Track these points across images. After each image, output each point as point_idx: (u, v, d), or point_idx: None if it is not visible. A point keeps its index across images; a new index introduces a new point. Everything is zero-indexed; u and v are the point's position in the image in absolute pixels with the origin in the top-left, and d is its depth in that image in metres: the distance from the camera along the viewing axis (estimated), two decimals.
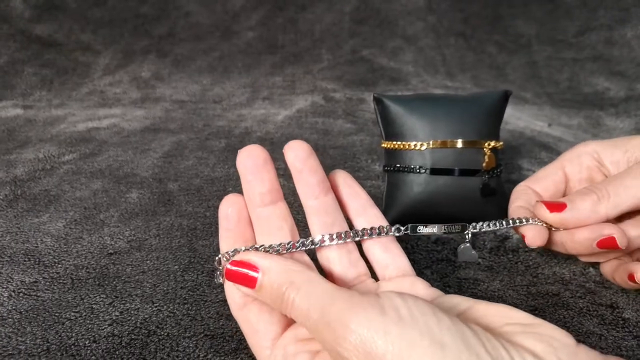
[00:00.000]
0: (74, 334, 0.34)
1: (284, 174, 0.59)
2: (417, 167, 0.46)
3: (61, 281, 0.40)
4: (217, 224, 0.48)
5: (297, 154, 0.30)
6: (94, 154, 0.66)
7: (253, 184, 0.29)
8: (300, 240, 0.29)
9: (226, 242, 0.29)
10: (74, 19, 1.10)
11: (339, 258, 0.31)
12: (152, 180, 0.57)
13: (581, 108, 0.95)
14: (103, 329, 0.34)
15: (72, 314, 0.36)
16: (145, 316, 0.35)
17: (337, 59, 1.04)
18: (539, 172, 0.42)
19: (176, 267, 0.41)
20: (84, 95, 0.92)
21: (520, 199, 0.40)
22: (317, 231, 0.31)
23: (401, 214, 0.47)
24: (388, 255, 0.32)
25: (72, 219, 0.49)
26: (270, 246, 0.28)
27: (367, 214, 0.32)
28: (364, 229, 0.31)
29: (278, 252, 0.28)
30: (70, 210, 0.51)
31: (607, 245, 0.34)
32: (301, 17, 1.13)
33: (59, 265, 0.42)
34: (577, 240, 0.36)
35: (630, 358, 0.32)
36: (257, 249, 0.28)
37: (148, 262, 0.42)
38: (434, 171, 0.46)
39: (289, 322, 0.28)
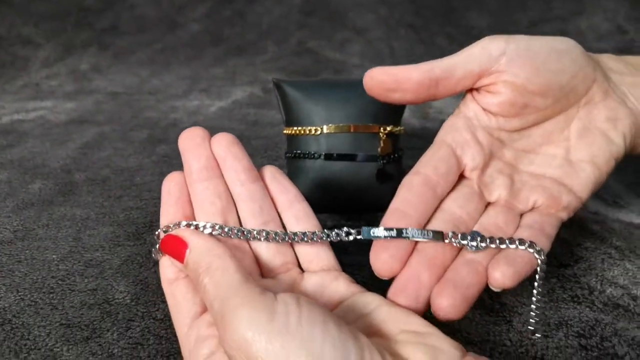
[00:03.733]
0: None
1: None
2: (313, 152, 0.45)
3: None
4: (112, 213, 0.48)
5: (221, 143, 0.31)
6: (10, 146, 0.64)
7: (190, 160, 0.31)
8: (234, 228, 0.29)
9: (166, 217, 0.30)
10: (17, 13, 1.08)
11: (267, 245, 0.31)
12: (60, 171, 0.56)
13: None
14: None
15: None
16: (6, 305, 0.34)
17: (282, 51, 1.03)
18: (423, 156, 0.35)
19: (54, 256, 0.40)
20: (18, 88, 0.90)
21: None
22: (246, 218, 0.31)
23: None
24: (313, 249, 0.32)
25: None
26: (204, 225, 0.29)
27: (294, 207, 0.32)
28: (303, 233, 0.31)
29: (211, 231, 0.29)
30: None
31: None
32: (249, 9, 1.11)
33: None
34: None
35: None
36: (189, 225, 0.29)
37: (27, 251, 0.41)
38: (328, 156, 0.45)
39: None
